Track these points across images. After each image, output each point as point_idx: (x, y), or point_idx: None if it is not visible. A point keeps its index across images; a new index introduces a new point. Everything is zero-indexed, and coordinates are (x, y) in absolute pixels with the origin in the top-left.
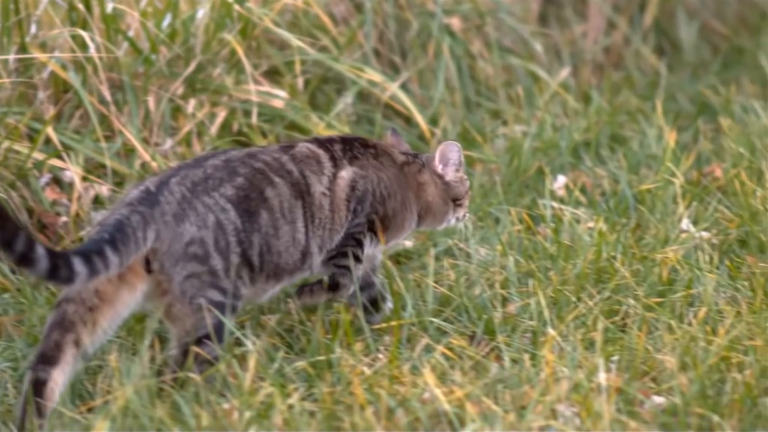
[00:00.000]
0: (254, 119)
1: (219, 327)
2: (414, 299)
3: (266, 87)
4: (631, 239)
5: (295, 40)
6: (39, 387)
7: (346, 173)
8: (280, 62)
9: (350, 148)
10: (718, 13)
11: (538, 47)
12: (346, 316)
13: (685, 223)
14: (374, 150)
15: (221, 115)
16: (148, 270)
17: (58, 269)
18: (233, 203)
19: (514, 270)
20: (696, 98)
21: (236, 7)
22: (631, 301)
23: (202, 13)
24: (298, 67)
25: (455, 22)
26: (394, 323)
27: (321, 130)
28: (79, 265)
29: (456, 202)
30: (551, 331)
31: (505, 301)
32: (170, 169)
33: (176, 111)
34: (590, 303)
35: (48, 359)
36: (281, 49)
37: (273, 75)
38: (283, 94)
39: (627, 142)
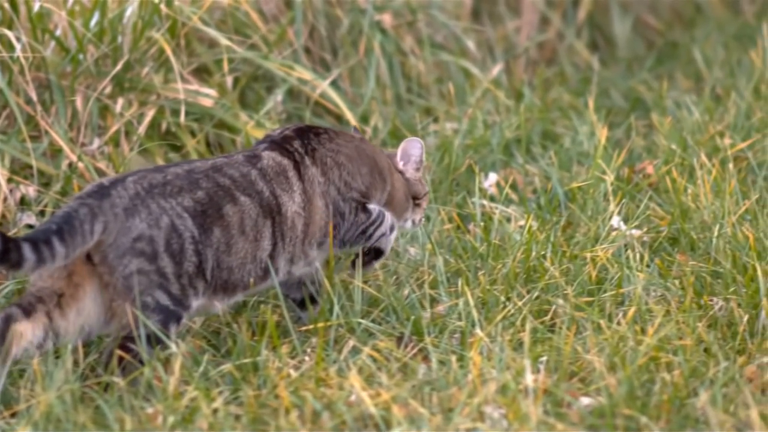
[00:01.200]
0: (182, 118)
1: (152, 331)
2: (342, 300)
3: (195, 86)
4: (561, 238)
5: (223, 39)
6: (8, 323)
7: (319, 200)
8: (209, 60)
9: (307, 140)
10: (653, 7)
11: (470, 44)
12: (272, 319)
13: (616, 221)
14: (327, 134)
15: (149, 114)
16: (91, 263)
17: (9, 252)
18: (190, 214)
19: (443, 270)
20: (629, 94)
21: (164, 5)
22: (560, 301)
23: (130, 11)
24: (226, 66)
25: (386, 19)
26: (320, 325)
27: (250, 129)
28: (28, 251)
29: (415, 200)
30: (479, 332)
31: (434, 301)
32: (130, 171)
33: (104, 110)
34: (519, 303)
35: (23, 308)
36: (211, 47)
37: (202, 73)
38: (212, 92)
39: (559, 138)
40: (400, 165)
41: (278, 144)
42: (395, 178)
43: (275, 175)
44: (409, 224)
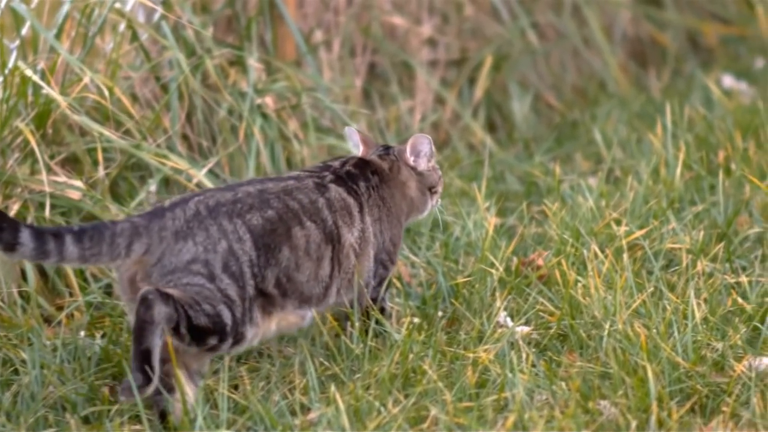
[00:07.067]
0: (48, 212)
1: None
2: (206, 409)
3: (62, 177)
4: (443, 336)
5: (95, 126)
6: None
7: (372, 249)
8: (79, 150)
9: (367, 182)
10: (554, 85)
11: (356, 128)
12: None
13: (503, 317)
14: (377, 177)
15: (14, 208)
16: None
17: (2, 231)
18: (254, 234)
19: (316, 374)
20: (525, 177)
21: (31, 92)
22: (435, 408)
23: None
24: (100, 155)
25: (269, 102)
26: None
27: None
28: (26, 236)
29: (431, 190)
30: None
31: (304, 408)
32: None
33: None
34: (394, 410)
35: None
36: (82, 136)
37: (73, 163)
38: (79, 184)
39: (448, 227)
40: (411, 161)
41: (344, 182)
42: (411, 188)
43: (340, 209)
44: (426, 213)
